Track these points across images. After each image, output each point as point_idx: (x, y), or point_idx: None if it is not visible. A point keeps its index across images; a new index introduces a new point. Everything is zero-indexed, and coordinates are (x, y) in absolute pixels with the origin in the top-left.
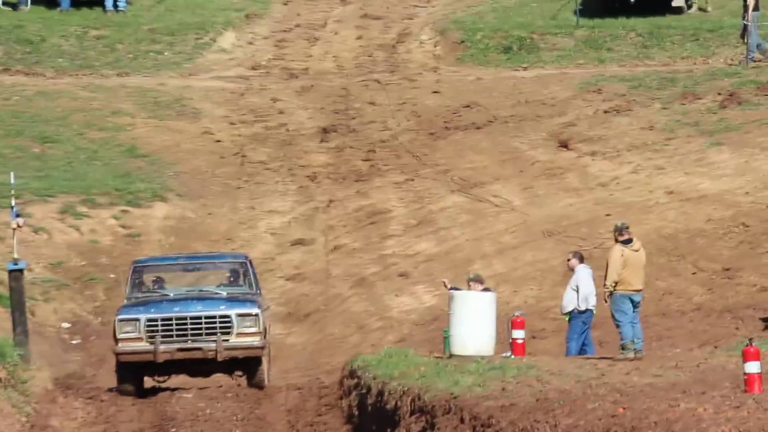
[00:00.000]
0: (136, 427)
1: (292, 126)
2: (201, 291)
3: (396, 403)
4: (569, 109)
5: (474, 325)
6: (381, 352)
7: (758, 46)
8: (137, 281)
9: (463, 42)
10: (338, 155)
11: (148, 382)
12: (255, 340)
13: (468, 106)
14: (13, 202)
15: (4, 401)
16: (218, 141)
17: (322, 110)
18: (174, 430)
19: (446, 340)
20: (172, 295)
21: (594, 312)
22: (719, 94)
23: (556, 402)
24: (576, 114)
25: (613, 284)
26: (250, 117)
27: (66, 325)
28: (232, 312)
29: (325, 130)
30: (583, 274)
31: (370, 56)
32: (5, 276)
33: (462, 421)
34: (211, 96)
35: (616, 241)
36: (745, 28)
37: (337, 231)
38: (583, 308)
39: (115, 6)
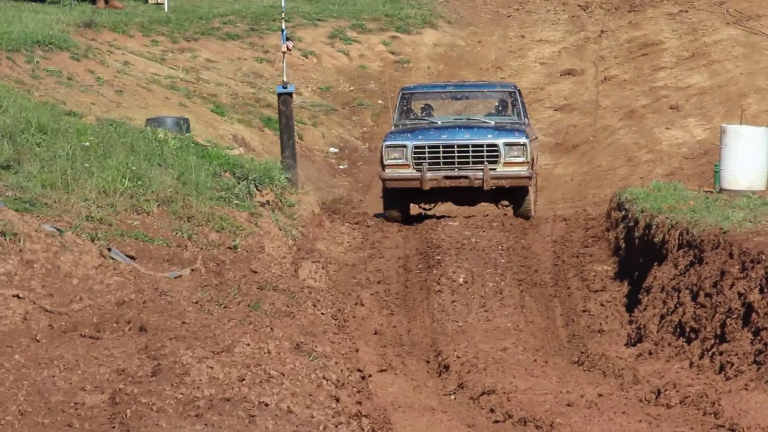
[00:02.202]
0: (402, 253)
1: None
2: (469, 119)
3: (663, 237)
4: None
5: (746, 159)
6: (649, 185)
7: None
8: (405, 108)
9: None
10: None
11: (414, 209)
12: (522, 170)
13: None
14: (283, 26)
15: (271, 224)
16: None
17: None
18: (439, 257)
19: (717, 174)
20: (439, 122)
21: None
22: None
23: None
24: None
25: None
26: None
27: (333, 149)
28: (500, 141)
29: None
30: None
31: None
32: (274, 99)
33: (731, 256)
34: None
35: None
36: None
37: (607, 61)
38: None
39: None
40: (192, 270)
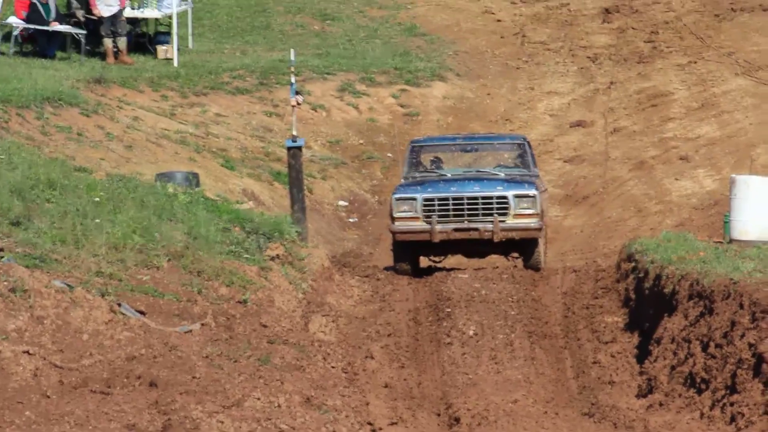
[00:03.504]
0: (412, 306)
1: (573, 6)
2: (478, 171)
3: (674, 288)
4: None
5: (756, 209)
6: (659, 236)
7: None
8: (415, 160)
9: None
10: (620, 36)
11: (424, 261)
12: (532, 222)
13: None
14: (293, 80)
15: (281, 277)
16: (498, 20)
17: None
18: (449, 309)
19: (726, 224)
20: (449, 175)
21: None
22: None
23: None
24: None
25: None
26: None
27: (343, 203)
28: (510, 193)
29: (607, 11)
30: None
31: None
32: (284, 153)
33: (741, 306)
34: None
35: None
36: None
37: (617, 113)
38: None
39: None
40: (202, 324)
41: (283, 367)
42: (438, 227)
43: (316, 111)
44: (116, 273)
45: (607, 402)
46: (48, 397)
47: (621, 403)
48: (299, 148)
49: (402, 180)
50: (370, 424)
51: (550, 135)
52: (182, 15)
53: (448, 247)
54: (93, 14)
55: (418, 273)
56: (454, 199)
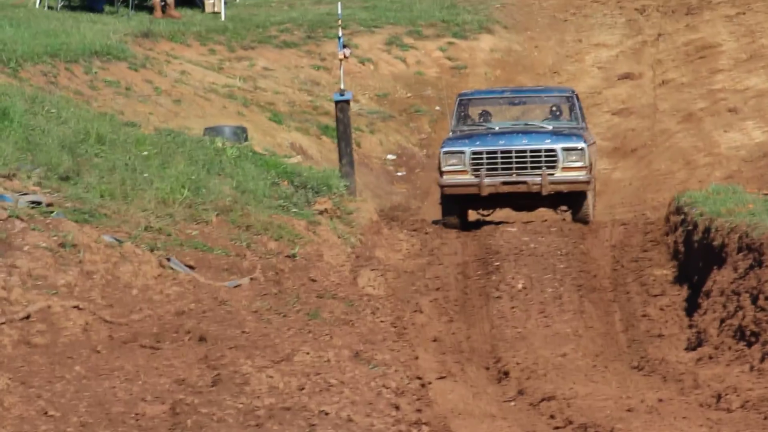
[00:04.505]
0: (460, 259)
1: None
2: (526, 125)
3: (723, 240)
4: None
5: None
6: (708, 188)
7: None
8: (462, 114)
9: None
10: None
11: (472, 215)
12: (580, 175)
13: None
14: (340, 33)
15: (330, 232)
16: None
17: None
18: (498, 263)
19: None
20: (497, 128)
21: None
22: None
23: None
24: None
25: None
26: None
27: (391, 156)
28: (558, 146)
29: None
30: None
31: None
32: (332, 107)
33: None
34: None
35: None
36: None
37: (665, 65)
38: None
39: None
40: (251, 279)
41: (331, 321)
42: (486, 180)
43: (363, 64)
44: (165, 228)
45: (656, 355)
46: (98, 352)
47: (670, 356)
48: (347, 101)
49: (450, 133)
50: (419, 378)
51: (598, 87)
52: None
53: (496, 200)
54: None
55: (467, 226)
56: (503, 152)
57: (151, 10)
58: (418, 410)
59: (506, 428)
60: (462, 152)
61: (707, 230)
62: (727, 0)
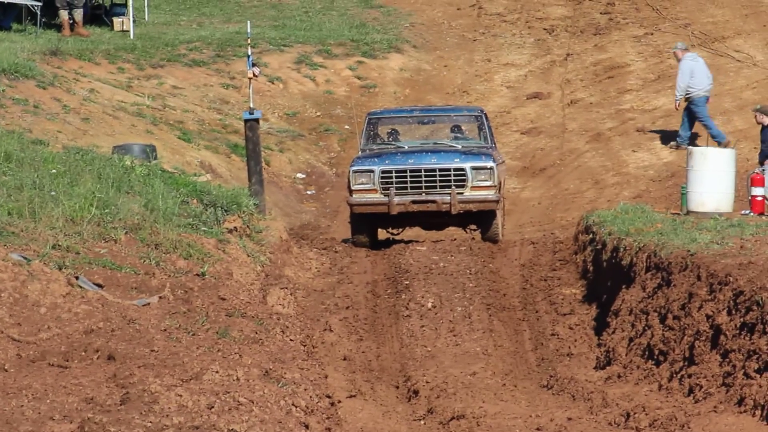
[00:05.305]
0: (370, 278)
1: None
2: (435, 143)
3: (631, 260)
4: None
5: (713, 181)
6: (617, 208)
7: None
8: (372, 133)
9: None
10: (576, 8)
11: (382, 234)
12: (489, 194)
13: None
14: (249, 52)
15: (239, 250)
16: None
17: None
18: (407, 282)
19: (683, 196)
20: (406, 147)
21: None
22: None
23: None
24: None
25: None
26: None
27: (301, 175)
28: (467, 165)
29: None
30: None
31: None
32: (241, 125)
33: (698, 278)
34: None
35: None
36: None
37: (574, 85)
38: None
39: None
40: (160, 297)
41: (241, 340)
42: (396, 199)
43: (272, 83)
44: (73, 246)
45: (566, 374)
46: (5, 370)
47: (579, 375)
48: (256, 120)
49: (359, 152)
50: (328, 396)
51: (507, 107)
52: None
53: (405, 219)
54: None
55: (376, 245)
56: (412, 171)
57: (59, 28)
58: (328, 429)
59: None
60: (371, 171)
61: (616, 249)
62: (635, 20)
